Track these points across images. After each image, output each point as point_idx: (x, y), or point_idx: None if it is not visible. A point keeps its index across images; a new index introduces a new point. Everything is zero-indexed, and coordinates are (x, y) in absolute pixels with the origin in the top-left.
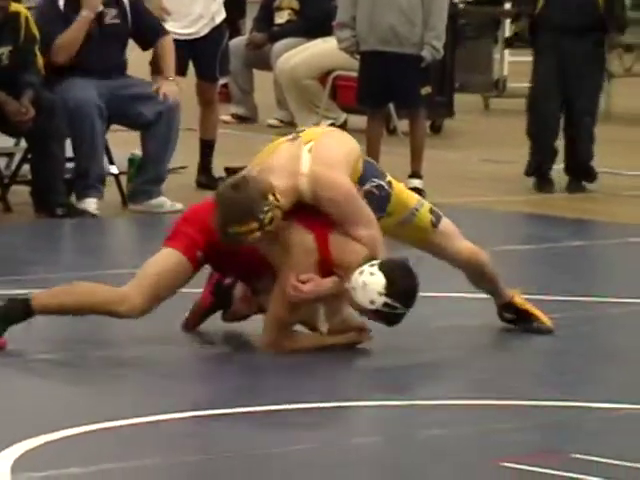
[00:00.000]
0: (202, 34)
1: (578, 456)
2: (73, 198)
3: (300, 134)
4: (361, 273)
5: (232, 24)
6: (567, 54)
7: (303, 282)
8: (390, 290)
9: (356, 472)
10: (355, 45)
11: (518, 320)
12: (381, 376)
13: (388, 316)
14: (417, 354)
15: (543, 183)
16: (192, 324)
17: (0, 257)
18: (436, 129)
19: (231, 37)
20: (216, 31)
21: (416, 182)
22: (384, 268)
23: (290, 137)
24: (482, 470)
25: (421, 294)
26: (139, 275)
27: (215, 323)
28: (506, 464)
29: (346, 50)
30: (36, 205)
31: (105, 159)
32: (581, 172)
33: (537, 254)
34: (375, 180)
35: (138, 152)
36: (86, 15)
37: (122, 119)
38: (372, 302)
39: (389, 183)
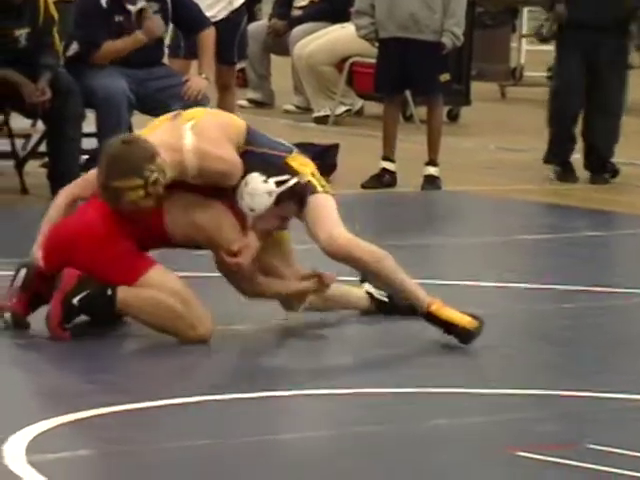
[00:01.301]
0: (220, 17)
1: (594, 446)
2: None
3: (181, 113)
4: (242, 196)
5: (247, 8)
6: (593, 51)
7: (236, 254)
8: (266, 172)
9: (364, 461)
10: (374, 33)
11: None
12: (394, 365)
13: (291, 192)
14: (429, 344)
15: (566, 173)
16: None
17: (16, 239)
18: (453, 117)
19: (248, 21)
20: (234, 15)
21: (432, 170)
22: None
23: (171, 115)
24: (497, 459)
25: (427, 282)
26: (182, 302)
27: None
28: (521, 453)
29: (365, 37)
30: (53, 187)
31: None
32: (600, 168)
33: (554, 244)
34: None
35: None
36: (140, 39)
37: (148, 108)
38: (270, 193)
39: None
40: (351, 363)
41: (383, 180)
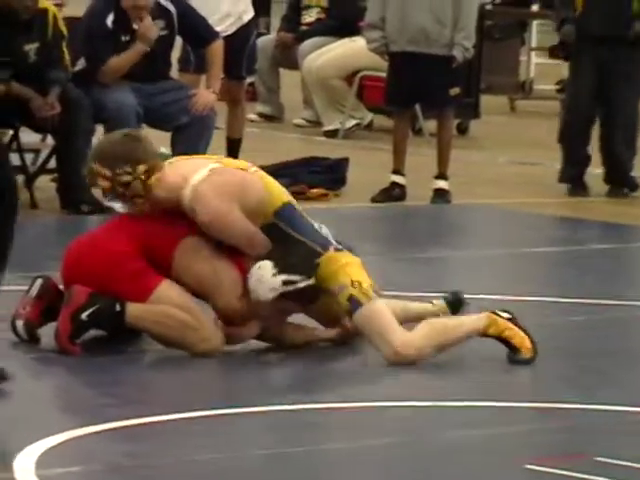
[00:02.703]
0: (229, 32)
1: (601, 459)
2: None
3: (223, 159)
4: (251, 275)
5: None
6: (606, 63)
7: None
8: (280, 265)
9: (378, 473)
10: (385, 46)
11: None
12: (408, 378)
13: (299, 294)
14: (442, 357)
15: (577, 188)
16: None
17: (25, 253)
18: (462, 130)
19: (257, 36)
20: (243, 29)
21: (442, 183)
22: (263, 257)
23: (216, 157)
24: (506, 471)
25: (437, 295)
26: (192, 315)
27: None
28: (529, 466)
29: (375, 51)
30: (62, 201)
31: None
32: (621, 181)
33: (563, 256)
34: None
35: (165, 150)
36: (141, 48)
37: (156, 122)
38: (272, 290)
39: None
40: (364, 376)
41: (393, 194)
